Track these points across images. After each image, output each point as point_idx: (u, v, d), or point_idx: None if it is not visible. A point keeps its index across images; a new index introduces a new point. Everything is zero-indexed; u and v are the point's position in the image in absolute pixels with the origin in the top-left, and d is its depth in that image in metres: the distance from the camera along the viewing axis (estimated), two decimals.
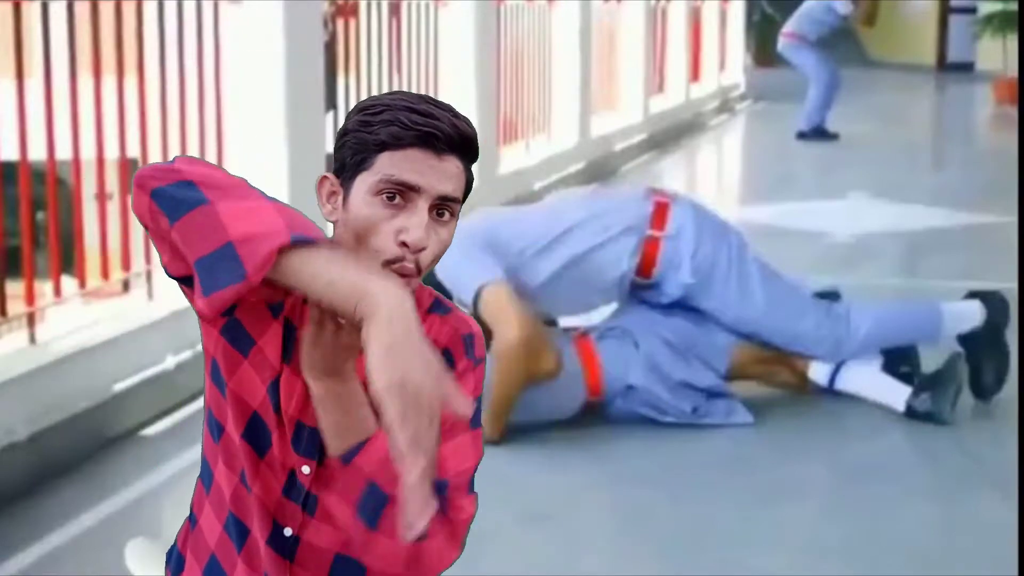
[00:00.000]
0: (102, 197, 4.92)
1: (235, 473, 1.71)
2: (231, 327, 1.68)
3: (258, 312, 1.69)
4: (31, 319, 4.45)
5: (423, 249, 1.64)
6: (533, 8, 9.62)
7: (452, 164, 1.65)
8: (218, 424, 1.72)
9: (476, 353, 1.74)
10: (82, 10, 4.77)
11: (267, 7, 5.66)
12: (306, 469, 1.70)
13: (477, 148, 1.69)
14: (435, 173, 1.64)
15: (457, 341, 1.73)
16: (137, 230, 5.08)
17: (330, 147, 6.47)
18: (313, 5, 6.15)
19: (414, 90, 7.44)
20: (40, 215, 5.60)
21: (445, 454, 1.64)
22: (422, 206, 1.64)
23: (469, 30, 8.02)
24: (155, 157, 5.19)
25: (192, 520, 1.81)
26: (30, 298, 4.44)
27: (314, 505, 1.71)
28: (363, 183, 1.67)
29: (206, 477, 1.77)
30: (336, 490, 1.65)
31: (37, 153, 4.54)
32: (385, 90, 7.11)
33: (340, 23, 6.78)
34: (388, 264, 1.64)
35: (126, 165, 5.02)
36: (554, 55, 10.03)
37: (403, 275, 1.63)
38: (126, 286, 5.11)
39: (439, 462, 1.56)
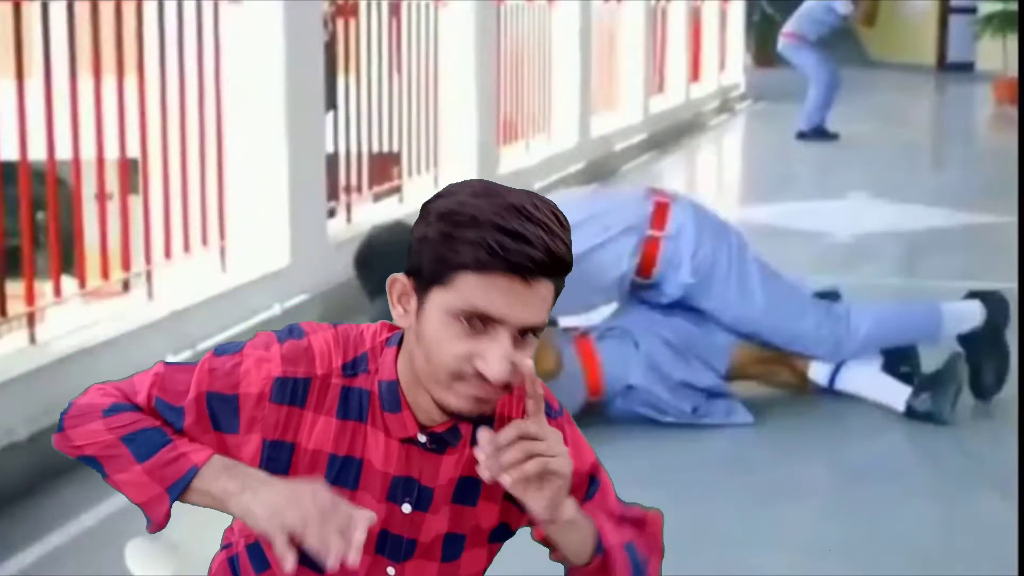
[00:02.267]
0: (102, 197, 4.92)
1: None
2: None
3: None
4: (31, 319, 4.45)
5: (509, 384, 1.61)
6: (533, 8, 9.62)
7: (542, 289, 1.59)
8: None
9: (554, 407, 1.79)
10: (82, 10, 4.77)
11: (267, 7, 5.66)
12: (391, 571, 1.75)
13: (571, 262, 1.61)
14: (521, 303, 1.57)
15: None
16: (137, 230, 5.08)
17: (330, 147, 6.48)
18: (313, 5, 6.15)
19: (414, 90, 7.44)
20: (40, 215, 5.60)
21: (615, 508, 1.91)
22: (503, 336, 1.58)
23: (469, 30, 8.01)
24: (155, 157, 5.19)
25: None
26: (30, 298, 4.43)
27: None
28: (441, 300, 1.59)
29: None
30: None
31: (37, 153, 4.54)
32: (385, 90, 7.10)
33: (340, 23, 6.78)
34: (458, 378, 1.60)
35: (126, 165, 5.02)
36: (554, 55, 10.03)
37: (478, 399, 1.62)
38: (126, 286, 5.11)
39: (625, 515, 1.92)
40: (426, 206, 1.65)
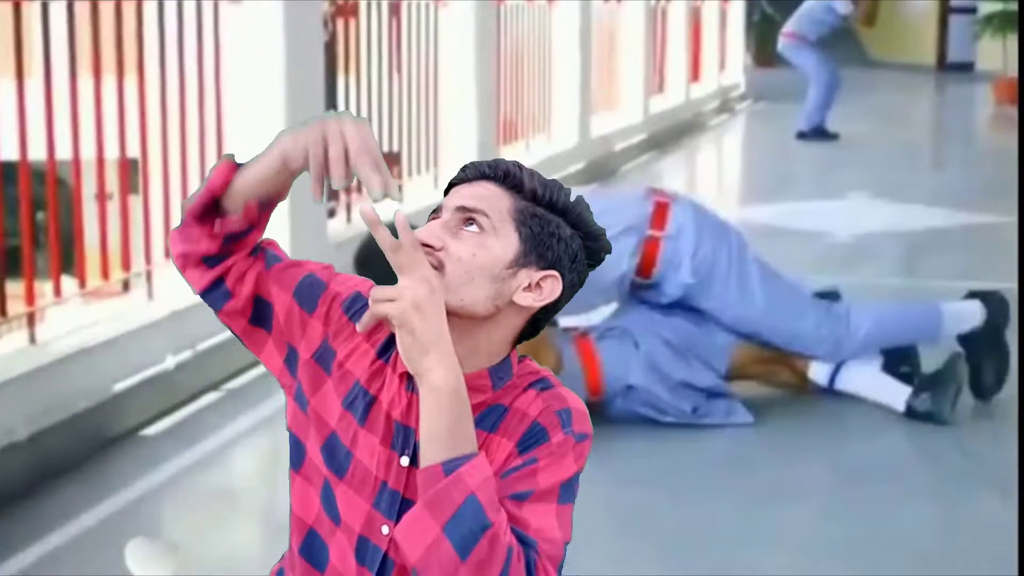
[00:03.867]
0: (102, 197, 4.92)
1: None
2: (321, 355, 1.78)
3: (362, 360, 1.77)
4: (31, 319, 4.45)
5: (429, 246, 1.69)
6: (533, 8, 9.62)
7: (480, 187, 1.74)
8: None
9: (576, 428, 1.73)
10: (82, 10, 4.77)
11: (267, 7, 5.66)
12: (384, 529, 1.73)
13: (517, 176, 1.75)
14: (458, 195, 1.74)
15: (550, 415, 1.72)
16: (137, 230, 5.08)
17: None
18: (313, 5, 6.15)
19: (414, 90, 7.45)
20: (40, 215, 5.60)
21: (527, 514, 1.66)
22: (441, 218, 1.74)
23: (469, 30, 8.02)
24: (155, 157, 5.20)
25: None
26: (30, 298, 4.44)
27: (390, 570, 1.75)
28: None
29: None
30: (424, 502, 1.62)
31: (37, 153, 4.54)
32: (385, 90, 7.11)
33: (340, 23, 6.78)
34: None
35: (126, 165, 5.02)
36: (554, 55, 10.03)
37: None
38: (126, 286, 5.11)
39: (521, 519, 1.65)
40: None
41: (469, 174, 1.77)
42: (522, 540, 1.64)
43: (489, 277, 1.70)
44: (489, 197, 1.73)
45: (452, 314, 1.67)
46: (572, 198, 1.78)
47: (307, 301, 1.80)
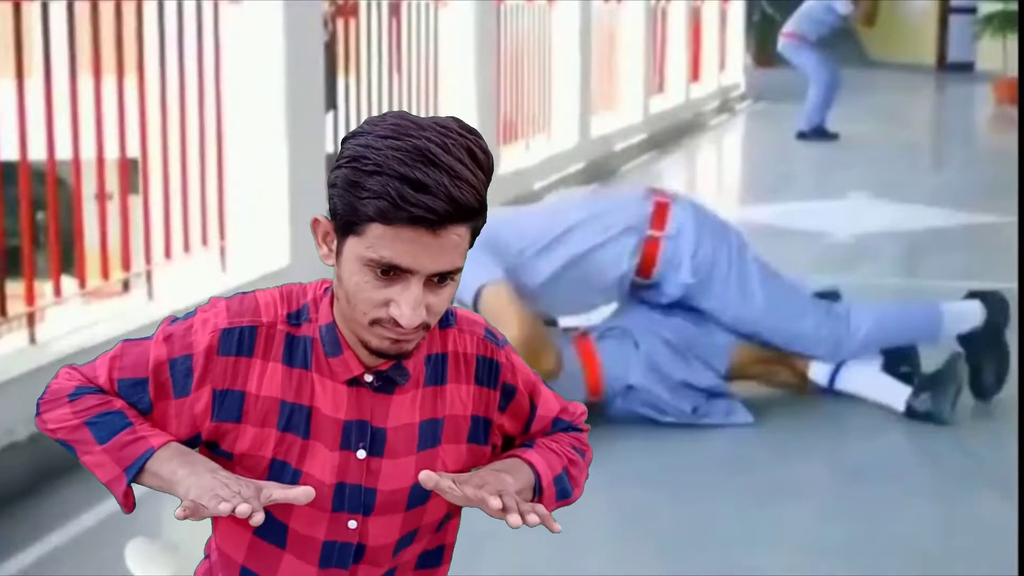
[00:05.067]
0: (102, 197, 4.92)
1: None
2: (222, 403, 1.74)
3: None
4: (31, 319, 4.45)
5: (424, 325, 1.64)
6: (533, 8, 9.62)
7: (451, 236, 1.59)
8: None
9: (500, 338, 1.84)
10: (82, 10, 4.77)
11: (267, 7, 5.66)
12: (352, 524, 1.75)
13: (481, 208, 1.61)
14: (429, 253, 1.59)
15: (483, 344, 1.79)
16: (137, 230, 5.08)
17: (330, 147, 6.48)
18: (313, 5, 6.15)
19: (414, 90, 7.44)
20: (40, 215, 5.60)
21: (544, 411, 1.87)
22: (415, 284, 1.60)
23: (469, 30, 8.01)
24: (155, 157, 5.19)
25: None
26: (30, 298, 4.43)
27: (364, 553, 1.79)
28: (354, 248, 1.62)
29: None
30: (547, 486, 1.86)
31: (37, 153, 4.54)
32: (385, 90, 7.10)
33: (340, 23, 6.78)
34: (375, 323, 1.63)
35: (126, 165, 5.02)
36: (554, 55, 10.03)
37: (395, 340, 1.64)
38: (126, 286, 5.11)
39: (550, 415, 1.88)
40: (342, 143, 1.66)
41: (431, 220, 1.57)
42: (569, 427, 1.91)
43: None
44: (459, 244, 1.61)
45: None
46: (471, 149, 1.62)
47: (175, 388, 1.73)
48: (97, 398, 1.75)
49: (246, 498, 1.60)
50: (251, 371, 1.70)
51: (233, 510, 1.58)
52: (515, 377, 1.82)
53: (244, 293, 1.78)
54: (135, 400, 1.74)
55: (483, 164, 1.61)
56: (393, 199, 1.55)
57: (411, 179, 1.55)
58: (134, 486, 1.78)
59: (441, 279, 1.61)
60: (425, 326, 1.63)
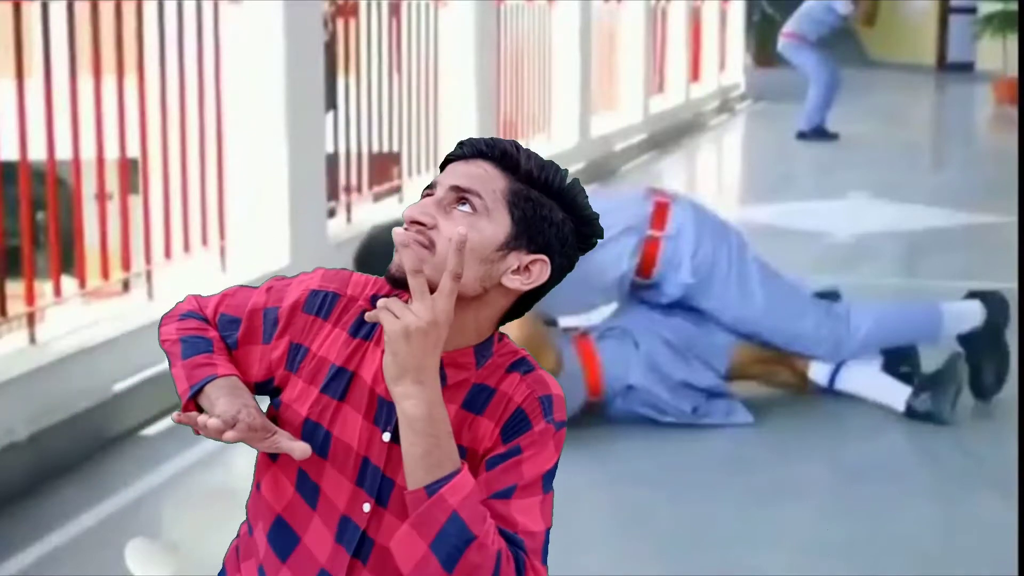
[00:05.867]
0: (102, 197, 4.92)
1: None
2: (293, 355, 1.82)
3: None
4: (31, 319, 4.45)
5: (421, 224, 1.71)
6: (533, 8, 9.62)
7: (475, 165, 1.75)
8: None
9: (556, 416, 1.77)
10: (82, 10, 4.77)
11: (267, 7, 5.66)
12: (366, 507, 1.74)
13: (514, 157, 1.75)
14: (453, 172, 1.75)
15: (533, 402, 1.75)
16: (137, 230, 5.08)
17: (330, 147, 6.48)
18: (313, 5, 6.15)
19: (414, 90, 7.45)
20: (40, 215, 5.60)
21: (514, 512, 1.70)
22: (436, 195, 1.74)
23: (469, 30, 8.01)
24: (155, 157, 5.19)
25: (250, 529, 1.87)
26: (30, 298, 4.43)
27: (368, 552, 1.76)
28: None
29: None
30: (411, 523, 1.66)
31: (37, 153, 4.54)
32: (385, 90, 7.11)
33: (340, 23, 6.78)
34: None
35: (126, 165, 5.02)
36: (554, 55, 10.03)
37: (402, 245, 1.71)
38: (126, 286, 5.11)
39: (508, 518, 1.69)
40: None
41: (466, 151, 1.77)
42: (511, 540, 1.69)
43: (479, 258, 1.71)
44: (484, 177, 1.73)
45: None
46: (568, 181, 1.78)
47: (264, 335, 1.83)
48: (199, 324, 1.87)
49: (252, 428, 1.69)
50: (321, 332, 1.80)
51: (223, 433, 1.68)
52: (528, 451, 1.73)
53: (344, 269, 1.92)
54: (226, 335, 1.86)
55: (534, 156, 1.78)
56: (459, 144, 1.79)
57: (474, 138, 1.80)
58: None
59: (458, 200, 1.72)
60: (428, 240, 1.70)
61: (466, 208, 1.72)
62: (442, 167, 1.78)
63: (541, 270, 1.74)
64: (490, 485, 1.70)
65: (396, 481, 1.74)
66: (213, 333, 1.85)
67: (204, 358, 1.80)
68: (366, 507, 1.74)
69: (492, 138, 1.77)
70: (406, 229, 1.72)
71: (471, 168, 1.74)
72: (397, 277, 1.70)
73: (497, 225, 1.72)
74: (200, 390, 1.76)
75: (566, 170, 1.79)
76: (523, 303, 1.79)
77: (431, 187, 1.76)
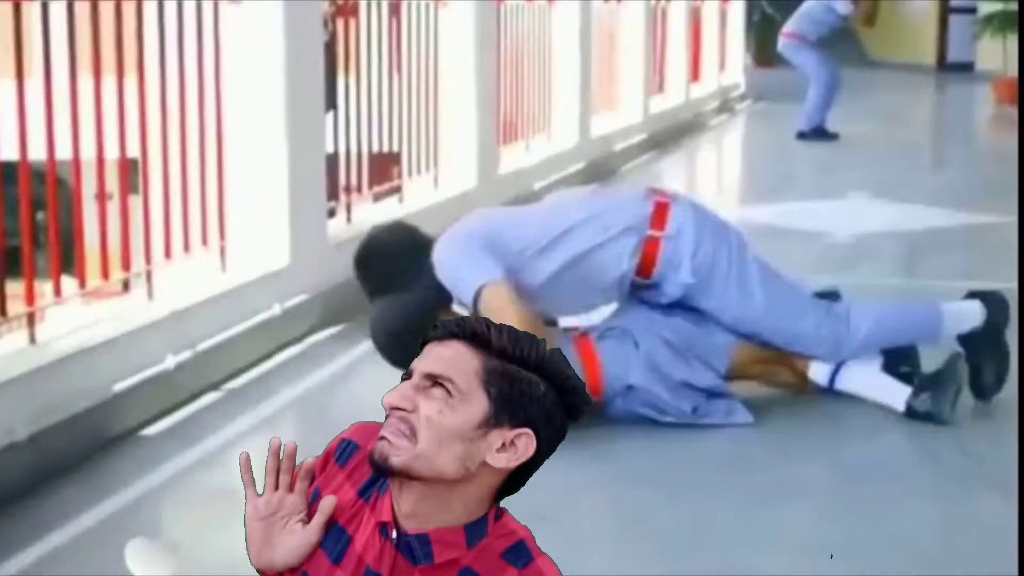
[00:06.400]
0: (102, 197, 4.92)
1: None
2: None
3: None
4: (31, 319, 4.45)
5: (401, 409, 1.71)
6: (533, 8, 9.62)
7: (450, 347, 1.73)
8: None
9: (523, 559, 1.77)
10: (82, 10, 4.77)
11: (267, 7, 5.66)
12: None
13: (484, 335, 1.73)
14: (428, 357, 1.73)
15: (499, 564, 1.74)
16: (137, 230, 5.08)
17: (330, 147, 6.48)
18: (313, 5, 6.15)
19: (414, 90, 7.45)
20: (40, 215, 5.60)
21: None
22: (412, 380, 1.73)
23: (469, 30, 8.01)
24: (155, 157, 5.19)
25: None
26: (30, 298, 4.43)
27: None
28: None
29: None
30: None
31: (37, 153, 4.54)
32: (385, 90, 7.11)
33: (340, 23, 6.78)
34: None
35: (126, 165, 5.02)
36: (554, 55, 10.03)
37: (382, 438, 1.72)
38: (126, 286, 5.11)
39: None
40: None
41: (439, 333, 1.76)
42: None
43: (458, 438, 1.70)
44: (456, 359, 1.72)
45: (423, 479, 1.70)
46: (546, 351, 1.75)
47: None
48: None
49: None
50: (335, 480, 1.82)
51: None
52: None
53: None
54: None
55: (509, 334, 1.77)
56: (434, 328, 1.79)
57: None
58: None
59: (432, 384, 1.71)
60: (409, 428, 1.70)
61: (436, 392, 1.71)
62: (421, 345, 1.79)
63: (527, 445, 1.73)
64: None
65: None
66: None
67: None
68: None
69: (462, 318, 1.76)
70: (387, 416, 1.72)
71: (444, 350, 1.73)
72: (377, 464, 1.72)
73: (473, 405, 1.70)
74: None
75: (542, 341, 1.77)
76: (517, 477, 1.77)
77: (408, 373, 1.75)
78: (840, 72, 13.14)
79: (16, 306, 4.45)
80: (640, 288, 4.84)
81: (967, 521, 4.08)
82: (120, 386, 4.65)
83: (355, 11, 6.90)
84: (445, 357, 1.72)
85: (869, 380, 4.93)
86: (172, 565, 3.37)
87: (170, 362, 4.90)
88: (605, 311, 5.03)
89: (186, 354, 4.98)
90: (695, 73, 15.00)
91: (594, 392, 4.69)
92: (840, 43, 15.63)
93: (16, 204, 4.52)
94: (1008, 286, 5.27)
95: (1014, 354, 4.96)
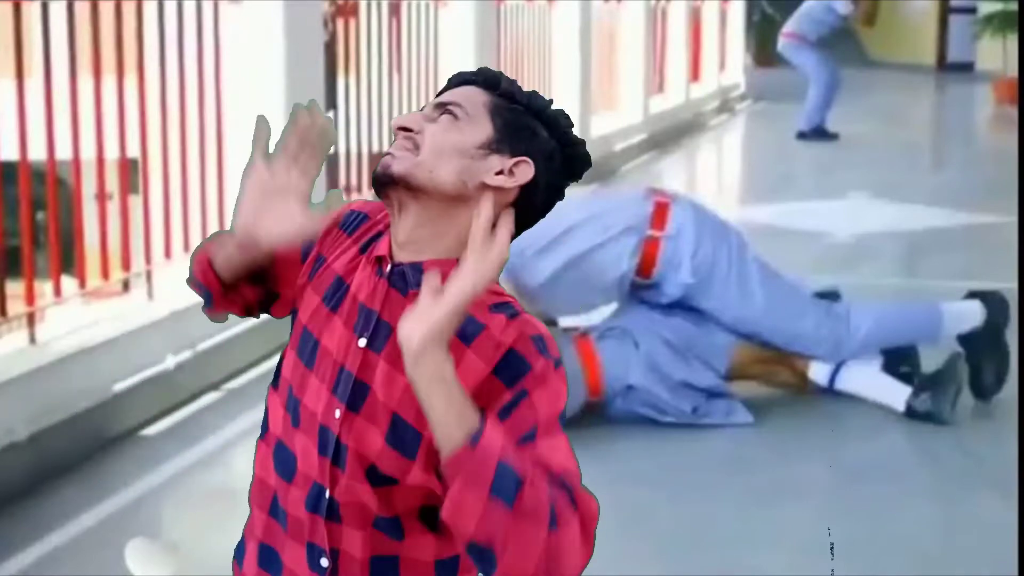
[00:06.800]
0: (102, 197, 4.92)
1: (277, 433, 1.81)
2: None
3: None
4: (31, 319, 4.45)
5: (408, 130, 1.76)
6: (533, 8, 9.62)
7: (459, 89, 1.80)
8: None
9: (552, 353, 1.74)
10: (82, 10, 4.77)
11: (267, 7, 5.66)
12: (337, 413, 1.74)
13: (495, 78, 1.81)
14: (440, 96, 1.81)
15: (526, 342, 1.71)
16: (137, 230, 5.08)
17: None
18: (313, 5, 6.15)
19: (414, 90, 7.45)
20: (40, 215, 5.60)
21: (543, 452, 1.64)
22: (422, 112, 1.81)
23: (469, 30, 8.02)
24: (155, 157, 5.20)
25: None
26: (30, 298, 4.44)
27: (344, 458, 1.73)
28: None
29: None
30: (465, 479, 1.56)
31: (37, 153, 4.54)
32: (385, 90, 7.11)
33: (340, 23, 6.78)
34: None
35: (126, 165, 5.02)
36: (554, 55, 10.03)
37: (386, 153, 1.78)
38: (126, 286, 5.11)
39: (541, 460, 1.63)
40: None
41: (453, 81, 1.83)
42: (552, 479, 1.62)
43: (459, 153, 1.74)
44: (466, 93, 1.79)
45: (421, 190, 1.73)
46: (554, 109, 1.82)
47: (302, 253, 1.89)
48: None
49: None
50: (341, 246, 1.84)
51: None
52: (536, 391, 1.69)
53: None
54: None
55: (527, 93, 1.82)
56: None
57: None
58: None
59: (442, 112, 1.77)
60: (413, 144, 1.75)
61: (445, 116, 1.78)
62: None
63: (524, 170, 1.76)
64: (510, 433, 1.63)
65: (370, 385, 1.73)
66: None
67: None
68: (337, 413, 1.73)
69: (479, 68, 1.85)
70: (395, 137, 1.78)
71: (456, 90, 1.81)
72: (379, 176, 1.76)
73: (478, 127, 1.76)
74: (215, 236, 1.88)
75: (551, 100, 1.83)
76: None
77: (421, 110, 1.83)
78: (840, 72, 13.14)
79: (16, 306, 4.45)
80: (640, 288, 4.84)
81: (967, 521, 4.08)
82: (120, 386, 4.65)
83: (355, 11, 6.90)
84: (456, 92, 1.80)
85: (869, 380, 4.93)
86: (172, 565, 3.37)
87: (170, 362, 4.90)
88: (605, 311, 5.03)
89: (186, 354, 4.98)
90: (695, 73, 15.00)
91: (594, 392, 4.69)
92: (840, 43, 15.63)
93: (16, 204, 4.52)
94: (1008, 286, 5.27)
95: (1014, 354, 4.96)
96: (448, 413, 1.58)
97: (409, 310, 1.61)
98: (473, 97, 1.78)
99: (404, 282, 1.75)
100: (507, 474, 1.56)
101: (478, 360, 1.69)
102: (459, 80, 1.83)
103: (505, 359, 1.69)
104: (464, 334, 1.68)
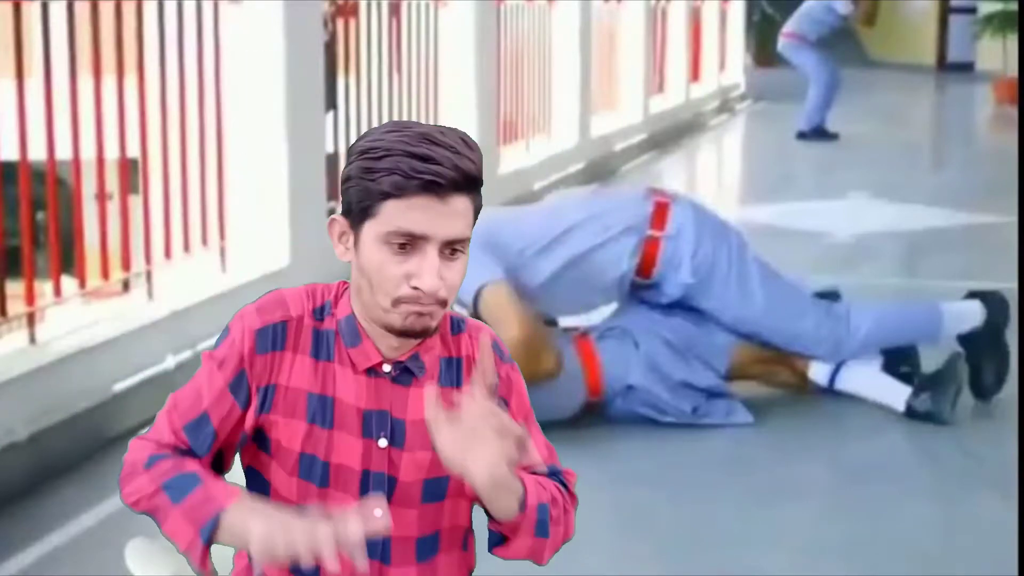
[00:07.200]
0: (102, 197, 4.92)
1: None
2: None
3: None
4: (31, 319, 4.45)
5: (442, 298, 1.75)
6: (533, 8, 9.62)
7: (458, 203, 1.73)
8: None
9: (507, 353, 1.90)
10: (82, 10, 4.77)
11: (267, 7, 5.66)
12: (378, 512, 1.73)
13: (481, 178, 1.76)
14: (441, 219, 1.71)
15: (487, 351, 1.80)
16: (137, 230, 5.08)
17: (330, 147, 6.48)
18: (313, 5, 6.15)
19: (414, 90, 7.45)
20: (40, 215, 5.60)
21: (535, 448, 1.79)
22: (431, 252, 1.72)
23: (469, 30, 8.01)
24: (155, 157, 5.19)
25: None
26: (30, 298, 4.43)
27: (389, 546, 1.83)
28: (371, 231, 1.73)
29: None
30: (518, 533, 1.79)
31: (37, 153, 4.54)
32: (385, 90, 7.11)
33: (340, 23, 6.78)
34: (398, 302, 1.73)
35: (126, 165, 5.02)
36: (554, 55, 10.03)
37: (419, 314, 1.73)
38: (126, 286, 5.11)
39: (524, 478, 1.80)
40: (349, 150, 1.80)
41: (443, 190, 1.71)
42: (555, 474, 1.89)
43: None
44: (464, 213, 1.75)
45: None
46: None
47: (240, 403, 1.83)
48: (170, 462, 1.84)
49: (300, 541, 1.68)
50: (283, 363, 1.80)
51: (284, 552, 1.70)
52: (509, 394, 1.88)
53: (271, 291, 1.87)
54: (202, 440, 1.82)
55: (475, 148, 1.75)
56: (404, 172, 1.69)
57: (418, 154, 1.69)
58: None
59: (452, 251, 1.73)
60: (443, 301, 1.74)
61: (456, 256, 1.75)
62: (385, 195, 1.72)
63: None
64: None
65: (399, 479, 1.80)
66: (190, 464, 1.82)
67: (199, 493, 1.77)
68: (377, 512, 1.74)
69: (454, 166, 1.72)
70: (414, 291, 1.74)
71: (453, 210, 1.73)
72: (418, 334, 1.77)
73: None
74: (215, 528, 1.75)
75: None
76: None
77: (410, 236, 1.72)
78: (840, 72, 13.14)
79: (16, 306, 4.45)
80: (640, 288, 4.84)
81: (967, 521, 4.08)
82: (120, 386, 4.65)
83: (355, 11, 6.90)
84: (454, 217, 1.73)
85: (869, 380, 4.93)
86: (172, 565, 3.37)
87: (170, 362, 4.90)
88: (605, 311, 5.03)
89: (186, 354, 4.98)
90: (695, 73, 15.00)
91: (594, 392, 4.69)
92: (840, 43, 15.63)
93: (16, 204, 4.52)
94: (1008, 286, 5.27)
95: (1014, 354, 4.96)
96: (510, 499, 1.74)
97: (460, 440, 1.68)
98: (469, 216, 1.75)
99: (407, 374, 1.82)
100: (543, 510, 1.79)
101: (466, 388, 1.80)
102: (449, 186, 1.71)
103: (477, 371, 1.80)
104: (449, 375, 1.84)
